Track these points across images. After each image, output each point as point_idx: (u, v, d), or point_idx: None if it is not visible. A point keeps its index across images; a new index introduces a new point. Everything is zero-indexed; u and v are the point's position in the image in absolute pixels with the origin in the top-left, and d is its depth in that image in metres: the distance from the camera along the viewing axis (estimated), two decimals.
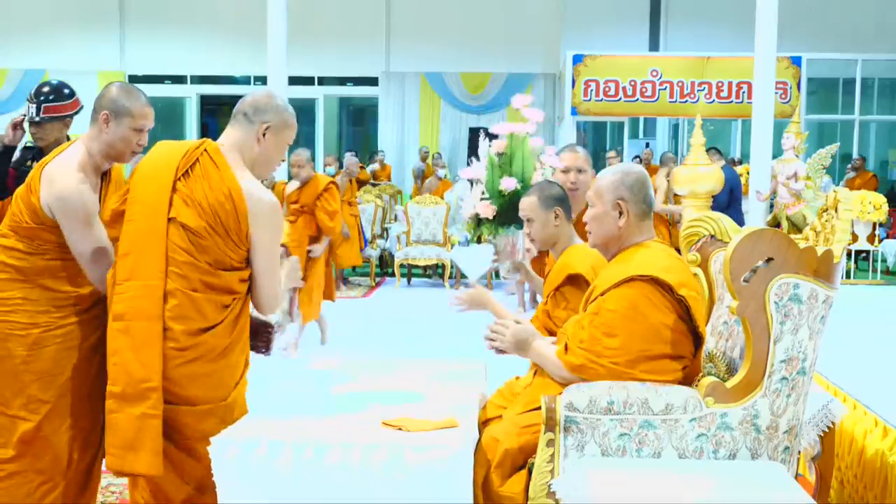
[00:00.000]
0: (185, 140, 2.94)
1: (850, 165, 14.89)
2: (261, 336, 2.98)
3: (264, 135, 2.81)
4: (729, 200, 10.03)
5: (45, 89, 3.92)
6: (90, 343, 2.94)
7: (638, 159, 14.62)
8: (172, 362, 2.65)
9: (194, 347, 2.66)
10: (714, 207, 8.50)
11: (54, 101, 3.89)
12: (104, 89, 2.99)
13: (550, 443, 2.60)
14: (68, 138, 4.10)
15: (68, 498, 2.94)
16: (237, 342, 2.78)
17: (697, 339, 2.76)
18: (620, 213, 2.84)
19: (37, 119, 3.87)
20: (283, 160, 2.98)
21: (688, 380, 2.79)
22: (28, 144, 4.17)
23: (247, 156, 2.81)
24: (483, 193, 4.13)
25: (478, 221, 4.16)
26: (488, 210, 4.09)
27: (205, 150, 2.77)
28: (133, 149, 2.97)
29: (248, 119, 2.81)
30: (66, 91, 3.92)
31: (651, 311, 2.66)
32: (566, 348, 2.77)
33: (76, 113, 3.99)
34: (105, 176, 3.04)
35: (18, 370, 2.86)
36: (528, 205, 3.44)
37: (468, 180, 4.26)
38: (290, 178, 7.08)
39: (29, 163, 4.17)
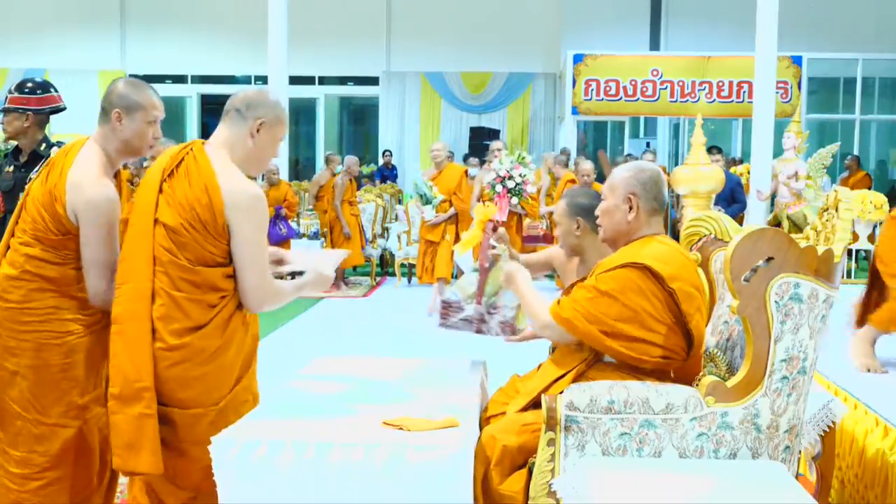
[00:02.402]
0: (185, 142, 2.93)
1: (844, 164, 14.85)
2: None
3: (258, 130, 2.78)
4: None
5: (17, 82, 4.21)
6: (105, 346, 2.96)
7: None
8: (162, 363, 2.65)
9: (181, 348, 2.65)
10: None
11: (12, 93, 4.12)
12: (109, 87, 2.95)
13: (551, 442, 2.60)
14: (46, 136, 4.17)
15: (100, 498, 2.96)
16: (230, 344, 2.74)
17: (690, 337, 2.76)
18: (630, 208, 2.89)
19: None
20: (276, 157, 2.97)
21: (685, 378, 2.79)
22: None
23: (238, 152, 2.78)
24: None
25: None
26: None
27: (191, 149, 2.77)
28: (149, 142, 2.94)
29: (240, 115, 2.79)
30: (19, 87, 4.12)
31: (635, 297, 2.72)
32: (558, 303, 2.86)
33: (31, 111, 4.07)
34: (116, 177, 3.00)
35: (56, 378, 2.84)
36: (557, 208, 3.46)
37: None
38: (294, 177, 7.10)
39: (9, 167, 4.22)
